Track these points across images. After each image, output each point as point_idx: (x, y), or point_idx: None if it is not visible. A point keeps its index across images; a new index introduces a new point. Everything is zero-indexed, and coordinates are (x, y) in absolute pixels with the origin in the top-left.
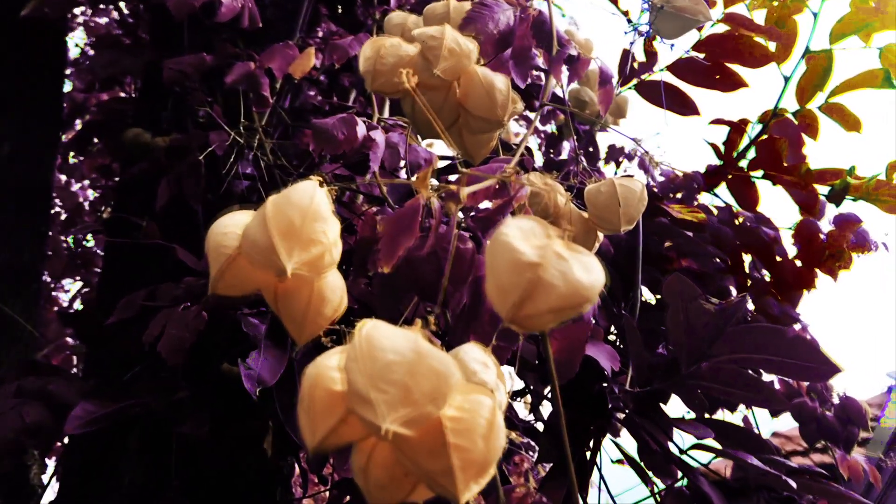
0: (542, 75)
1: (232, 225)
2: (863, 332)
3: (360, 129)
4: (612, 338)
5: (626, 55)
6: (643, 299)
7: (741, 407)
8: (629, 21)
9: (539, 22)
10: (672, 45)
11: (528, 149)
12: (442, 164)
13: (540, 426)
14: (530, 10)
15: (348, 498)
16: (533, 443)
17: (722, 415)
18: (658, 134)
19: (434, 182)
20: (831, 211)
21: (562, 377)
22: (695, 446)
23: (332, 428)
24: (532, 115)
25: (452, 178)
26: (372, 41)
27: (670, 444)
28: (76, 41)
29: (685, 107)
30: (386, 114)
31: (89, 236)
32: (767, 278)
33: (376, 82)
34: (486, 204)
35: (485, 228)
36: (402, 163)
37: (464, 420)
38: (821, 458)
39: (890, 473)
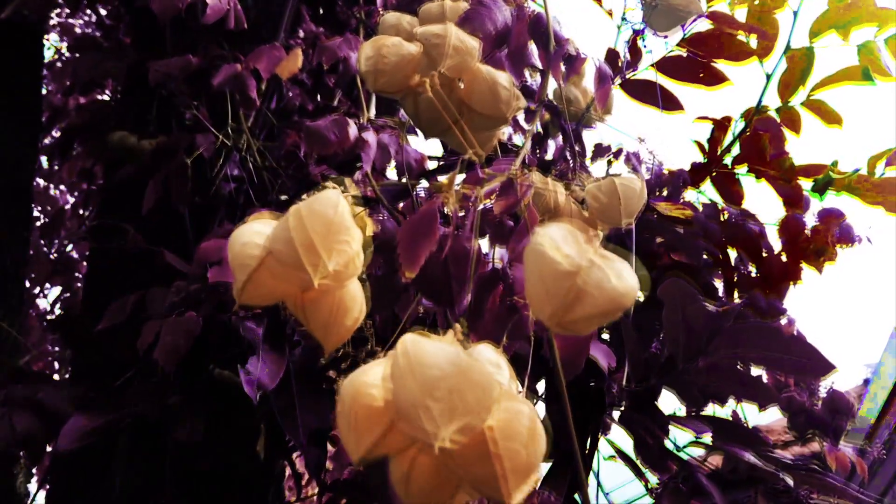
0: (529, 77)
1: (252, 235)
2: (841, 323)
3: (352, 131)
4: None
5: (612, 53)
6: None
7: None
8: (623, 18)
9: (536, 20)
10: (665, 37)
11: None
12: (433, 164)
13: None
14: (526, 9)
15: (344, 501)
16: None
17: (712, 409)
18: (646, 134)
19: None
20: (815, 206)
21: (567, 375)
22: (690, 442)
23: (376, 441)
24: (521, 116)
25: (443, 178)
26: (372, 41)
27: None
28: (49, 44)
29: (670, 103)
30: (372, 113)
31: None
32: (754, 273)
33: (379, 82)
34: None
35: (494, 230)
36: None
37: (509, 427)
38: (800, 450)
39: (871, 463)
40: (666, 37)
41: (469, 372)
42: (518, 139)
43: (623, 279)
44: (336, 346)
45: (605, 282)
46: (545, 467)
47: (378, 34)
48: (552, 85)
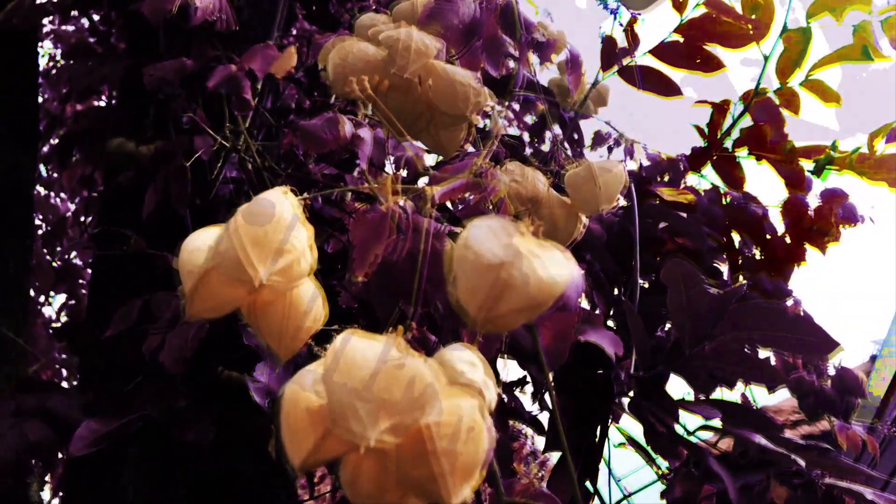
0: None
1: (199, 242)
2: (846, 300)
3: (347, 128)
4: (610, 323)
5: (608, 41)
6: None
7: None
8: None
9: (505, 10)
10: (638, 14)
11: (519, 139)
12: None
13: (545, 414)
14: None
15: None
16: (532, 431)
17: (720, 393)
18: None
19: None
20: (818, 186)
21: (552, 364)
22: (700, 427)
23: (315, 446)
24: (516, 106)
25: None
26: (339, 46)
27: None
28: (43, 51)
29: (668, 89)
30: (369, 109)
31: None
32: (758, 256)
33: (345, 88)
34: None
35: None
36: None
37: (447, 425)
38: (809, 429)
39: (881, 439)
40: (638, 14)
41: (402, 370)
42: (513, 130)
43: (559, 267)
44: (294, 352)
45: (538, 270)
46: (555, 457)
47: (354, 35)
48: (552, 74)
